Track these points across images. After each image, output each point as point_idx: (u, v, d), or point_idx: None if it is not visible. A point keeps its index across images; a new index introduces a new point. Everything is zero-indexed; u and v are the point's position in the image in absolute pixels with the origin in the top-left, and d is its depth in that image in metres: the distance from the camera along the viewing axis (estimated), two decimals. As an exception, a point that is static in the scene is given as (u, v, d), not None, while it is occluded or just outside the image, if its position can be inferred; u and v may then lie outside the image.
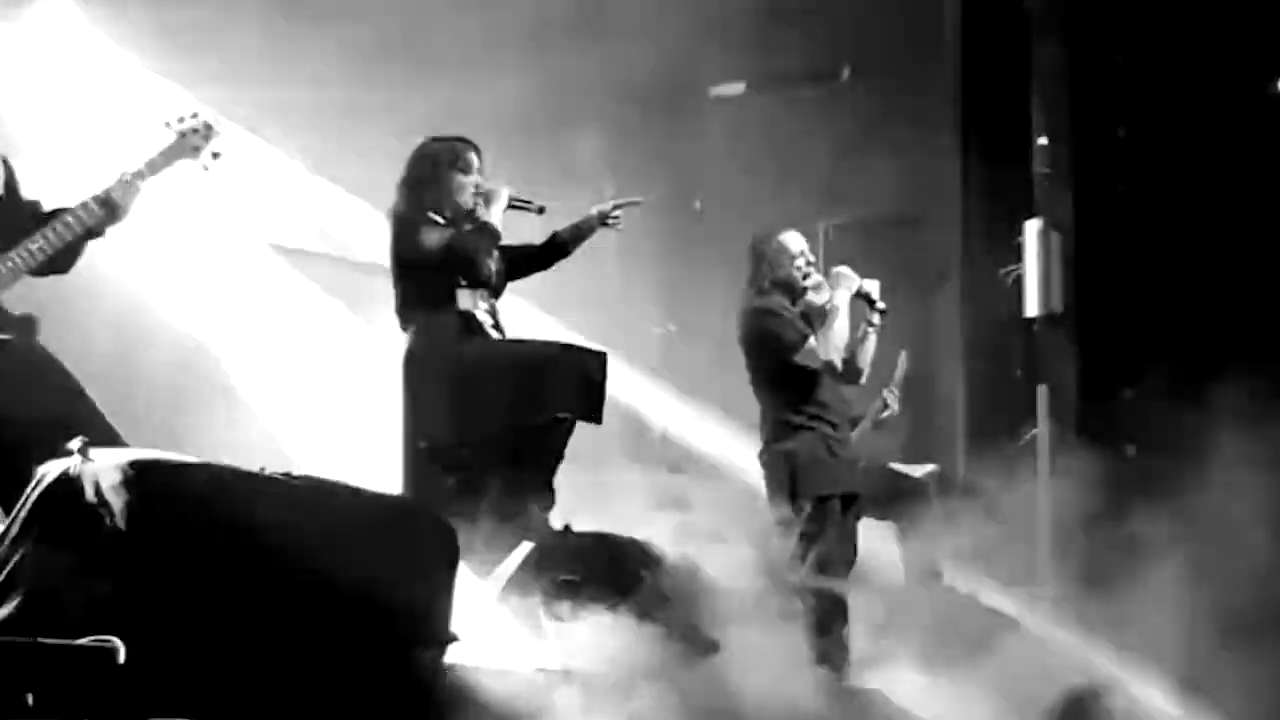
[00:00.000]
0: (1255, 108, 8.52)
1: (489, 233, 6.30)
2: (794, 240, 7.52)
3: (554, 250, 6.69)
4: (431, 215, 6.28)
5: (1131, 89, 8.78)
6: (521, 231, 6.68)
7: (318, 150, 9.60)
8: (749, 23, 10.34)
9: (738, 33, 10.46)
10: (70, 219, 5.21)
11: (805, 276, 7.46)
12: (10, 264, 5.11)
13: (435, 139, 6.49)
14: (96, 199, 5.23)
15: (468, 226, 6.30)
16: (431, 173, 6.37)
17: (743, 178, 10.89)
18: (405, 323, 6.32)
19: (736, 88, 11.49)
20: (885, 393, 8.41)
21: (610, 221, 6.67)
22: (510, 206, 6.40)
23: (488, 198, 6.35)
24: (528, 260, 6.67)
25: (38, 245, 5.15)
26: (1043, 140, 9.01)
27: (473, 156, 6.44)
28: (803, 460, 7.27)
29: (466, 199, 6.36)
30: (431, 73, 9.38)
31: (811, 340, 7.31)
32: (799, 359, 7.32)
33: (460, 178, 6.37)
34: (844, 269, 7.50)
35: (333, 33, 8.94)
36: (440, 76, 9.37)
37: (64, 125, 8.65)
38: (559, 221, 6.72)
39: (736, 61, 11.16)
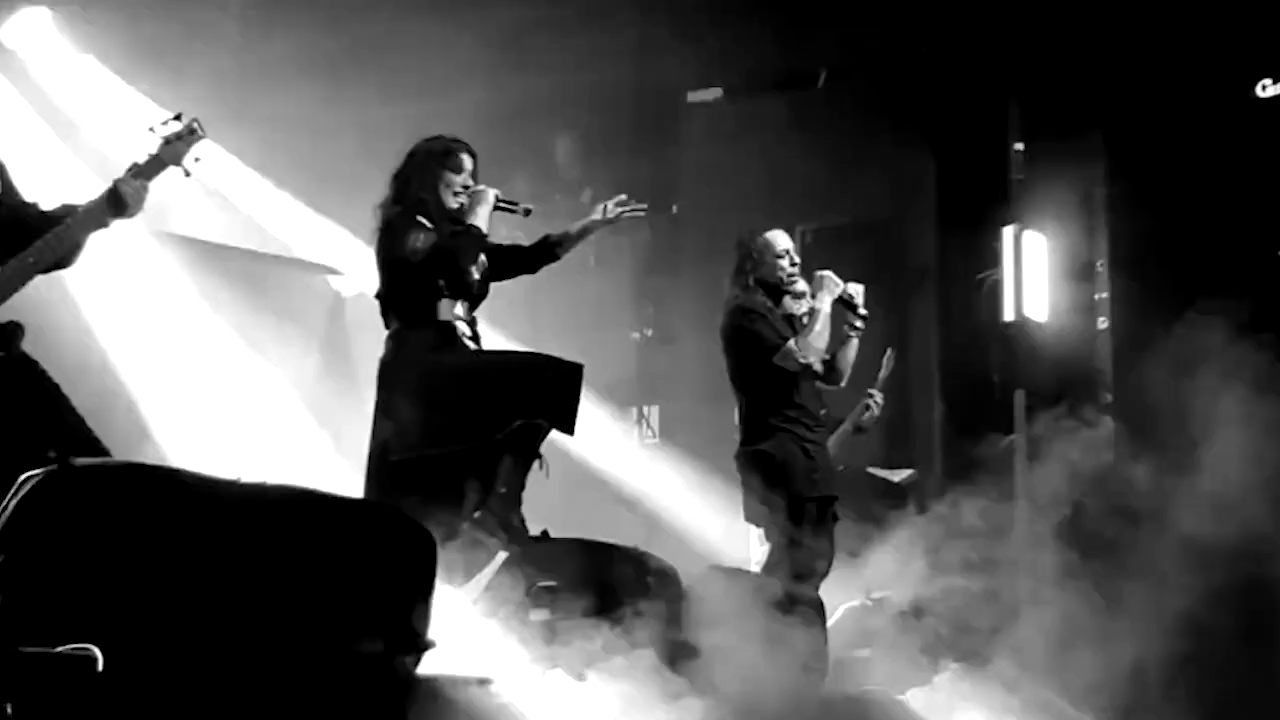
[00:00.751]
0: (1235, 111, 8.54)
1: (475, 236, 6.26)
2: (780, 239, 7.50)
3: (543, 253, 6.66)
4: (419, 218, 6.24)
5: (1109, 93, 8.79)
6: (503, 233, 6.67)
7: (287, 158, 9.61)
8: (726, 28, 10.35)
9: (714, 38, 10.47)
10: (82, 221, 5.22)
11: (790, 277, 7.44)
12: (30, 260, 5.13)
13: (427, 139, 6.44)
14: (105, 197, 5.23)
15: (454, 228, 6.26)
16: (422, 172, 6.33)
17: (719, 183, 10.90)
18: (388, 324, 6.30)
19: (713, 93, 11.50)
20: (869, 394, 8.42)
21: (613, 218, 6.65)
22: (497, 208, 6.37)
23: (474, 199, 6.32)
24: (515, 261, 6.64)
25: (53, 241, 5.17)
26: (1019, 145, 9.03)
27: (465, 157, 6.38)
28: (778, 462, 7.26)
29: (455, 200, 6.32)
30: (406, 78, 9.38)
31: (791, 342, 7.30)
32: (777, 360, 7.31)
33: (450, 177, 6.33)
34: (827, 273, 7.49)
35: (306, 39, 8.94)
36: (415, 81, 9.37)
37: (40, 133, 8.66)
38: (537, 228, 6.70)
39: (713, 67, 11.18)
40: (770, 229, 7.55)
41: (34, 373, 5.13)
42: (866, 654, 7.13)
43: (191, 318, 9.48)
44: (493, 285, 6.50)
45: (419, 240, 6.17)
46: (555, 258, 6.69)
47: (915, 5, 9.52)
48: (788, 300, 7.90)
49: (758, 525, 7.46)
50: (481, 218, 6.29)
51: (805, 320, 7.57)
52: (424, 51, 9.47)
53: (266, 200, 10.05)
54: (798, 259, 7.52)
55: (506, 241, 6.69)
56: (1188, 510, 6.82)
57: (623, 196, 6.72)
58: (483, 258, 6.37)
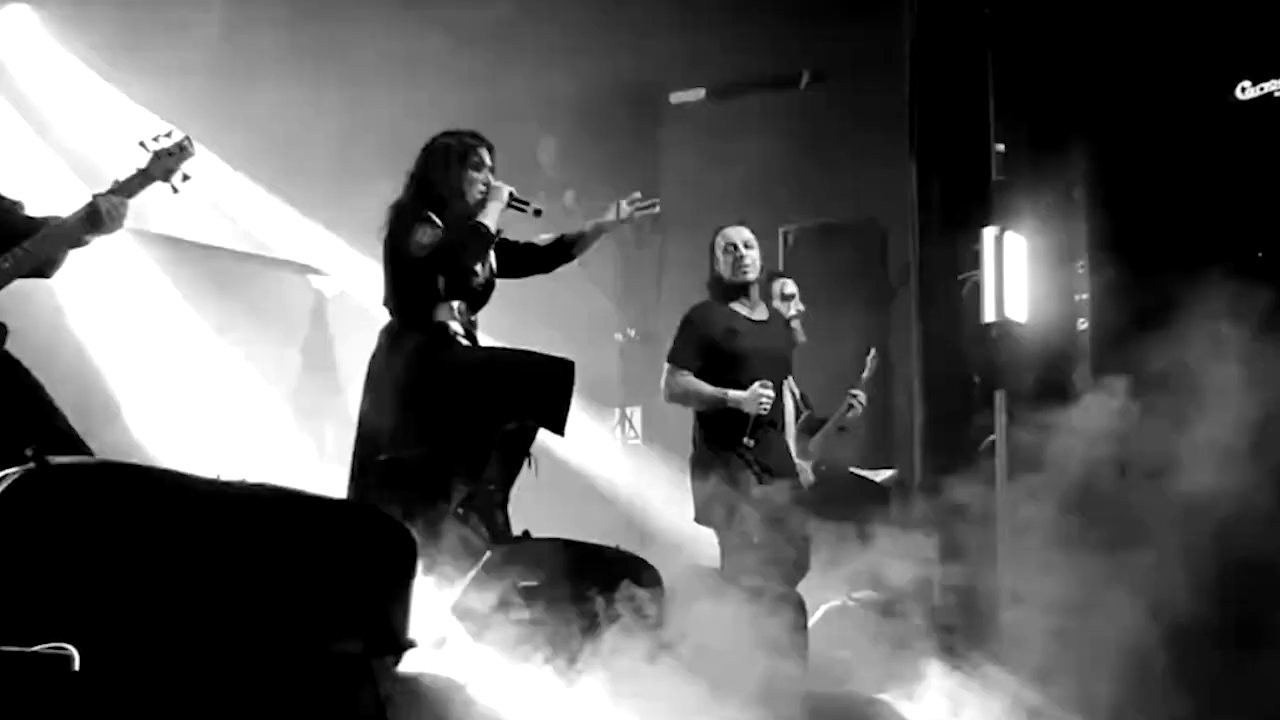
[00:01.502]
0: (1214, 113, 8.55)
1: (483, 235, 6.19)
2: (729, 233, 7.47)
3: (558, 253, 6.61)
4: (430, 213, 6.18)
5: (1089, 95, 8.80)
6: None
7: (268, 157, 9.61)
8: (709, 30, 10.36)
9: (697, 40, 10.48)
10: (59, 232, 5.23)
11: (736, 270, 7.39)
12: (6, 265, 5.14)
13: (446, 133, 6.38)
14: (83, 213, 5.24)
15: (464, 225, 6.20)
16: (439, 167, 6.27)
17: (702, 184, 10.91)
18: (389, 314, 6.26)
19: (696, 94, 11.52)
20: (852, 394, 8.44)
21: (626, 218, 6.63)
22: (509, 205, 6.32)
23: (488, 195, 6.27)
24: (530, 260, 6.59)
25: (31, 248, 5.18)
26: (1000, 146, 9.03)
27: (484, 153, 6.32)
28: (720, 465, 7.27)
29: (472, 196, 6.27)
30: (392, 77, 9.37)
31: (673, 372, 7.32)
32: (669, 374, 7.36)
33: (470, 174, 6.28)
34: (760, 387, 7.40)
35: (287, 38, 8.93)
36: (399, 82, 9.37)
37: (20, 132, 8.66)
38: (530, 227, 6.66)
39: (696, 68, 11.20)
40: (731, 225, 7.53)
41: (15, 371, 5.14)
42: (848, 654, 7.14)
43: (172, 317, 9.48)
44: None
45: (425, 235, 6.11)
46: (571, 258, 6.64)
47: (897, 7, 9.52)
48: (777, 302, 7.93)
49: (704, 525, 7.47)
50: (492, 216, 6.24)
51: (793, 324, 7.66)
52: (407, 51, 9.46)
53: (248, 199, 10.05)
54: (746, 251, 7.44)
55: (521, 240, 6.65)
56: (1174, 511, 6.85)
57: (636, 195, 6.70)
58: (491, 257, 6.33)
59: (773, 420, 7.41)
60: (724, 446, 7.28)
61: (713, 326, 7.36)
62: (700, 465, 7.38)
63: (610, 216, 6.62)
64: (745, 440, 7.25)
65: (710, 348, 7.32)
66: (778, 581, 6.91)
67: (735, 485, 7.20)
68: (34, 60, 9.07)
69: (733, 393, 7.25)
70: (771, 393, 7.27)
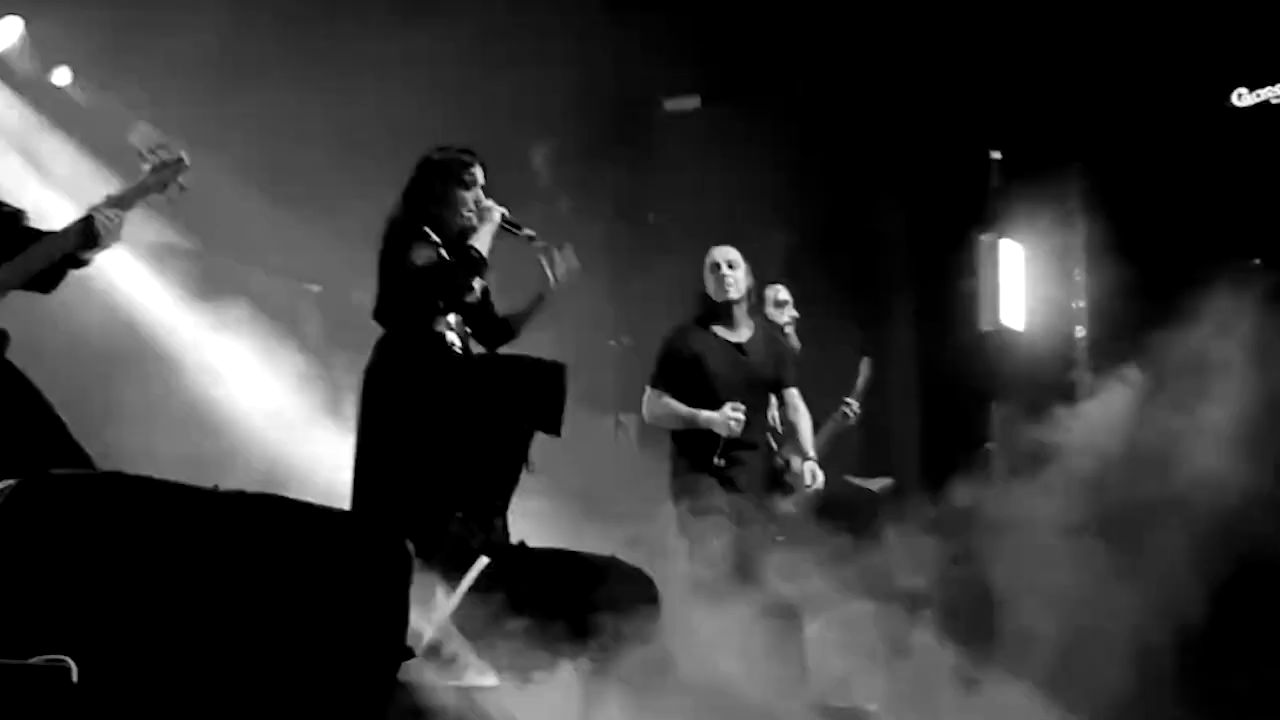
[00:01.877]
0: (1210, 120, 8.57)
1: (473, 259, 6.20)
2: (717, 252, 7.50)
3: (505, 331, 6.58)
4: (425, 229, 6.18)
5: (1085, 102, 8.82)
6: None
7: (264, 163, 9.58)
8: (702, 36, 10.35)
9: (691, 46, 10.47)
10: (54, 243, 5.21)
11: (720, 289, 7.41)
12: (2, 276, 5.13)
13: (440, 149, 6.38)
14: (79, 227, 5.22)
15: (456, 247, 6.21)
16: (431, 184, 6.27)
17: (696, 191, 10.91)
18: (383, 326, 6.26)
19: (690, 101, 11.50)
20: (845, 402, 8.43)
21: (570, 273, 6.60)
22: (502, 227, 6.32)
23: (481, 216, 6.27)
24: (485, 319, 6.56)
25: (28, 260, 5.17)
26: (997, 154, 9.04)
27: (477, 171, 6.33)
28: (692, 485, 7.31)
29: (464, 215, 6.27)
30: (379, 87, 9.35)
31: (653, 393, 7.37)
32: (648, 397, 7.42)
33: (462, 195, 6.28)
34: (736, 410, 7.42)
35: (283, 45, 8.91)
36: (389, 91, 9.34)
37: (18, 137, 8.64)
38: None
39: (690, 75, 11.18)
40: (722, 244, 7.55)
41: (17, 379, 5.12)
42: (846, 664, 7.13)
43: (168, 322, 9.45)
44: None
45: (420, 255, 6.12)
46: (515, 335, 6.60)
47: (892, 15, 9.54)
48: (770, 309, 7.93)
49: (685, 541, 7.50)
50: (484, 239, 6.25)
51: (786, 330, 7.67)
52: (401, 57, 9.44)
53: (244, 203, 10.01)
54: (729, 271, 7.45)
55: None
56: (1174, 516, 6.86)
57: (540, 244, 6.57)
58: (484, 274, 6.32)
59: (752, 442, 7.42)
60: (697, 467, 7.31)
61: (689, 350, 7.40)
62: (675, 485, 7.41)
63: (550, 285, 6.53)
64: (715, 460, 7.27)
65: (687, 371, 7.36)
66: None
67: (707, 505, 7.23)
68: (25, 70, 9.06)
69: (704, 413, 7.29)
70: (742, 416, 7.27)
